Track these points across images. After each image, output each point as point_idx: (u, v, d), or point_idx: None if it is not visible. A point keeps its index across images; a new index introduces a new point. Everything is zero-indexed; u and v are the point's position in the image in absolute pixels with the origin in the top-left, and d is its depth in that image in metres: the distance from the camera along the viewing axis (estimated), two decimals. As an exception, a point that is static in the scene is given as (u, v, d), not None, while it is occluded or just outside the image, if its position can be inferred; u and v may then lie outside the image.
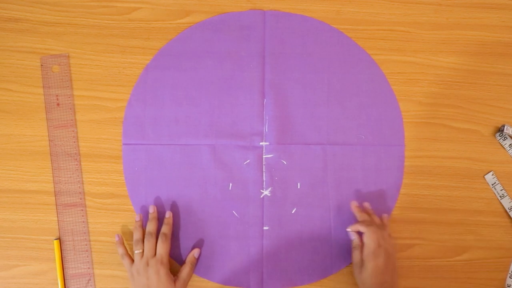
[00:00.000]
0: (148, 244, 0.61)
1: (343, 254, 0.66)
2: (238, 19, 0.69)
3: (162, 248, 0.60)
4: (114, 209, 0.67)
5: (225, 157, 0.67)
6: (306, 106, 0.68)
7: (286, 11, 0.70)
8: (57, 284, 0.65)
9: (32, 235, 0.67)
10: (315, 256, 0.66)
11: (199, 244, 0.66)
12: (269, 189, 0.67)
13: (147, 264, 0.59)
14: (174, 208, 0.66)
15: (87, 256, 0.66)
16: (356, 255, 0.61)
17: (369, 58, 0.69)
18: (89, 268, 0.65)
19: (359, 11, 0.70)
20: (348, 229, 0.62)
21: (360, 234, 0.62)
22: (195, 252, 0.64)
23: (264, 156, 0.67)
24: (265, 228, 0.67)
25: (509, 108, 0.69)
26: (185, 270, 0.61)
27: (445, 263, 0.68)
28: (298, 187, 0.67)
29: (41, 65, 0.68)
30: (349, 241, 0.64)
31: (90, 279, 0.65)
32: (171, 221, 0.64)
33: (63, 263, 0.66)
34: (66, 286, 0.65)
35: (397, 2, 0.70)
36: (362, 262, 0.59)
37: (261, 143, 0.67)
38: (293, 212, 0.67)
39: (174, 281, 0.59)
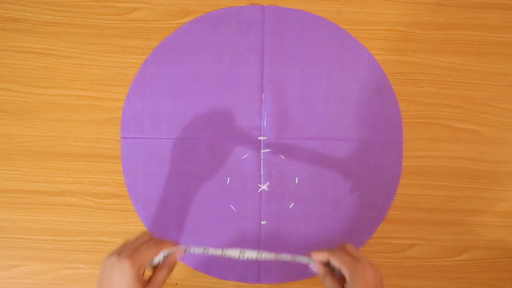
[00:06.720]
0: (136, 238, 0.49)
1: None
2: (237, 13, 0.69)
3: (146, 249, 0.47)
4: (114, 209, 0.67)
5: (223, 152, 0.67)
6: (304, 101, 0.68)
7: (286, 11, 0.70)
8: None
9: (32, 235, 0.67)
10: (312, 250, 0.66)
11: (196, 239, 0.66)
12: (267, 183, 0.67)
13: (118, 256, 0.45)
14: (172, 202, 0.67)
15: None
16: (328, 282, 0.50)
17: (367, 53, 0.69)
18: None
19: (359, 11, 0.70)
20: (311, 263, 0.52)
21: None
22: (178, 253, 0.50)
23: (262, 151, 0.67)
24: (262, 222, 0.67)
25: (509, 108, 0.69)
26: (161, 274, 0.48)
27: (445, 263, 0.68)
28: (296, 182, 0.67)
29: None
30: (346, 237, 0.64)
31: None
32: (175, 258, 0.50)
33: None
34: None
35: (397, 2, 0.70)
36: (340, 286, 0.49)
37: (259, 138, 0.67)
38: (290, 207, 0.67)
39: (145, 286, 0.46)
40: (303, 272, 0.66)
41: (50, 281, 0.66)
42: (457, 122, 0.69)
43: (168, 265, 0.49)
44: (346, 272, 0.48)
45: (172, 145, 0.67)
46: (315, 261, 0.51)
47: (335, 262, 0.49)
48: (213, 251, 0.50)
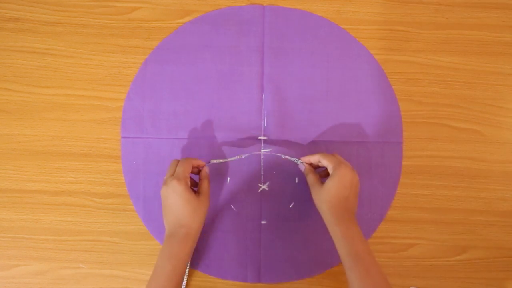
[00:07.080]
0: (169, 168, 0.58)
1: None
2: (238, 13, 0.69)
3: (180, 167, 0.57)
4: (114, 208, 0.67)
5: (223, 151, 0.67)
6: (304, 101, 0.68)
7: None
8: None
9: (32, 235, 0.67)
10: (312, 250, 0.66)
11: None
12: (267, 183, 0.67)
13: (164, 185, 0.55)
14: None
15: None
16: (311, 177, 0.61)
17: (367, 53, 0.69)
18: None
19: (359, 11, 0.70)
20: (300, 161, 0.63)
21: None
22: (206, 168, 0.61)
23: (262, 151, 0.67)
24: (262, 222, 0.67)
25: (509, 108, 0.69)
26: (203, 184, 0.59)
27: (445, 263, 0.68)
28: (296, 182, 0.67)
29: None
30: None
31: None
32: (207, 170, 0.62)
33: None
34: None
35: (397, 2, 0.70)
36: (319, 182, 0.59)
37: (259, 138, 0.67)
38: (290, 206, 0.67)
39: (196, 195, 0.57)
40: (303, 272, 0.66)
41: (50, 281, 0.66)
42: (457, 122, 0.69)
43: (205, 177, 0.61)
44: (330, 169, 0.58)
45: (172, 145, 0.67)
46: (304, 161, 0.63)
47: (324, 161, 0.60)
48: (216, 161, 0.64)
